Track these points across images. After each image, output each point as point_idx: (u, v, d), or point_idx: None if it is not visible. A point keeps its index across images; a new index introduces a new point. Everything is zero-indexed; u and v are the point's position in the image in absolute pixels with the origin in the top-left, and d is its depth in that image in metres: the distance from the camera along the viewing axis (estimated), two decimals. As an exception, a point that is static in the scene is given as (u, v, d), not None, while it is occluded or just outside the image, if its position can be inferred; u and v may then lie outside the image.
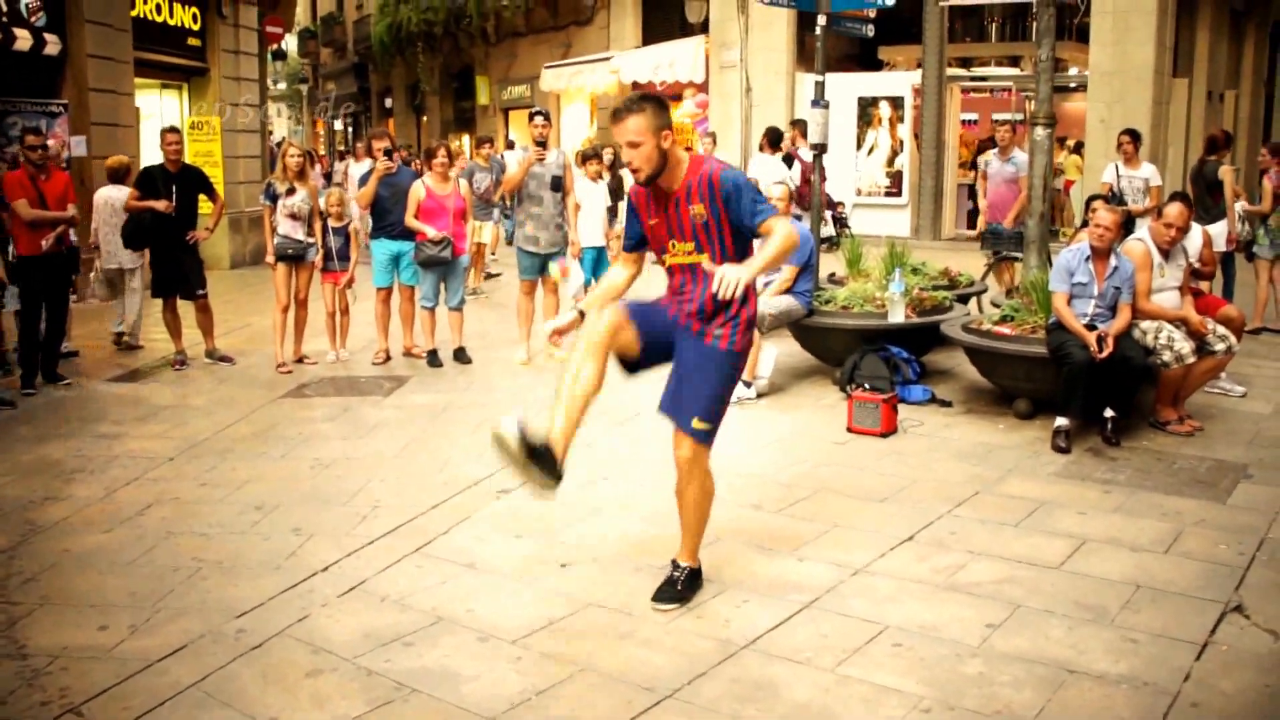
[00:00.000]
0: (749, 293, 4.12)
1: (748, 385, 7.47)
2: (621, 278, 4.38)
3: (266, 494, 5.69)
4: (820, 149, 9.15)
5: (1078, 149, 17.44)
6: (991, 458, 6.12)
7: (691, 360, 4.10)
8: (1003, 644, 3.89)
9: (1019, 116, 16.70)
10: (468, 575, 4.63)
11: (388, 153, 8.73)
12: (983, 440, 6.47)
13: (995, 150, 10.87)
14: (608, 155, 12.30)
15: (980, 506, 5.32)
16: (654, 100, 4.02)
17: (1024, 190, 10.54)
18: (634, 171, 4.00)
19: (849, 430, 6.66)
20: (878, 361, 7.35)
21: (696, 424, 4.07)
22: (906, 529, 5.02)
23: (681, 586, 4.32)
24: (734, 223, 4.02)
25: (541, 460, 3.78)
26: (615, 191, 11.45)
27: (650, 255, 4.32)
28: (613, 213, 11.33)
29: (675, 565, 4.38)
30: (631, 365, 4.19)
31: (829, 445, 6.44)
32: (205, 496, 5.70)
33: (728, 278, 3.76)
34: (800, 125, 13.87)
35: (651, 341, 4.10)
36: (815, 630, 4.04)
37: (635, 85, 20.58)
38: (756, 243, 4.13)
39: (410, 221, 8.53)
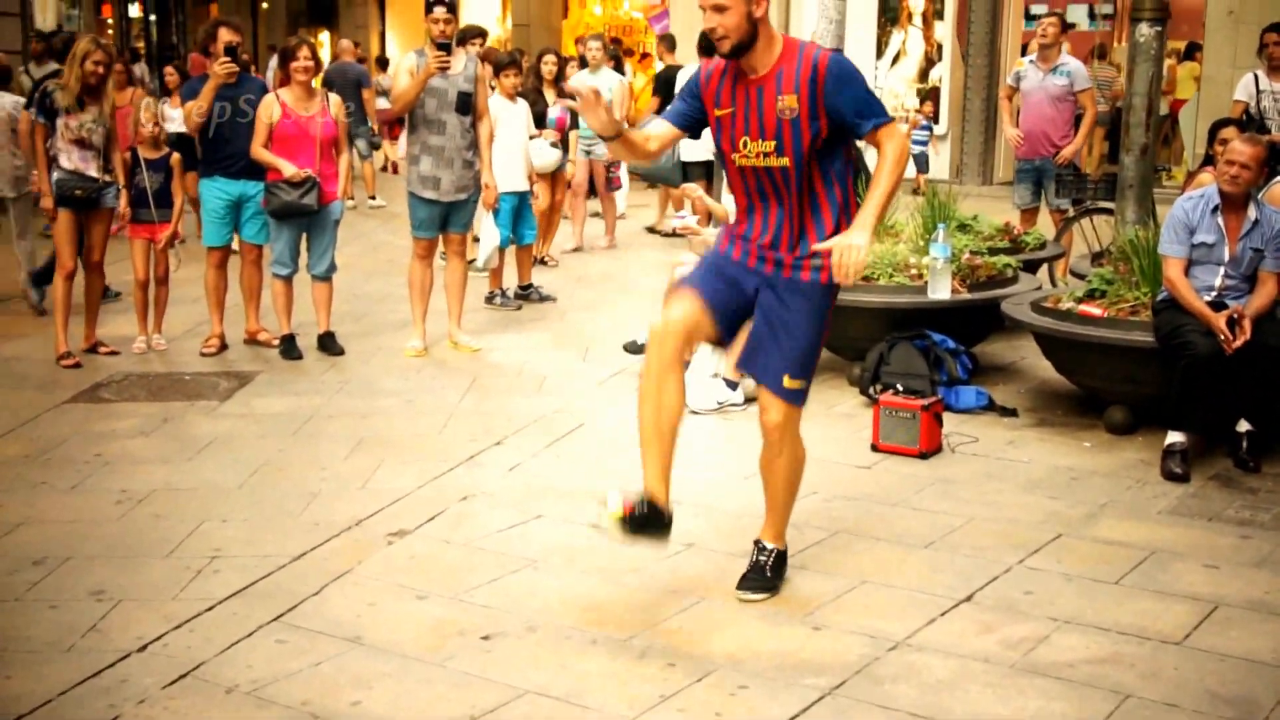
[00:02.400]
0: (843, 209, 4.66)
1: (732, 386, 7.51)
2: (641, 150, 4.83)
3: (50, 543, 5.60)
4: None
5: (1190, 54, 17.52)
6: (1077, 488, 6.18)
7: (775, 308, 4.67)
8: (1106, 747, 3.93)
9: (1107, 10, 16.86)
10: (352, 654, 4.59)
11: (231, 51, 8.58)
12: (1063, 463, 6.53)
13: (1032, 57, 10.94)
14: (549, 64, 12.26)
15: (1064, 556, 5.37)
16: None
17: (1088, 112, 10.67)
18: (718, 41, 4.45)
19: (875, 448, 6.71)
20: (913, 353, 7.40)
21: (789, 382, 4.66)
22: (963, 587, 5.05)
23: (771, 572, 4.94)
24: (834, 122, 4.50)
25: (650, 524, 4.58)
26: (540, 115, 11.45)
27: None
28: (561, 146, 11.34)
29: (761, 547, 4.98)
30: (716, 342, 4.85)
31: (849, 470, 6.48)
32: (-44, 547, 5.61)
33: (847, 256, 4.39)
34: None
35: (729, 312, 4.71)
36: (844, 729, 4.05)
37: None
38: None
39: (259, 153, 8.46)
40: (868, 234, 4.47)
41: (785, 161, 4.56)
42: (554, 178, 11.87)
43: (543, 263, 11.95)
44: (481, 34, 11.57)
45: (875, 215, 4.55)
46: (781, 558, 5.02)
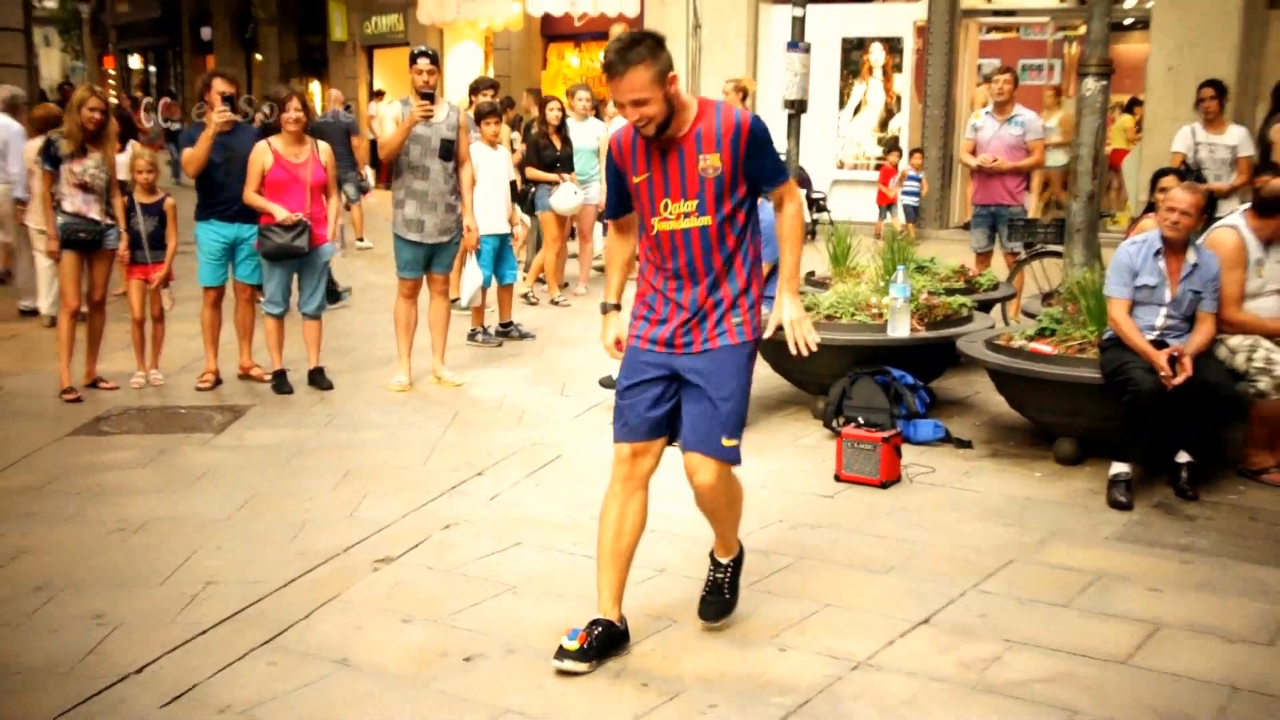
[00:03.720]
0: (754, 263, 4.57)
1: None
2: (624, 252, 4.86)
3: (51, 570, 5.58)
4: (798, 107, 9.28)
5: (1131, 107, 17.67)
6: (1028, 516, 6.21)
7: (701, 379, 4.54)
8: (1055, 761, 3.95)
9: (1055, 62, 16.91)
10: (340, 675, 4.59)
11: (229, 100, 8.62)
12: (1015, 493, 6.57)
13: (988, 108, 10.97)
14: (554, 110, 12.34)
15: (1016, 580, 5.40)
16: (649, 40, 4.30)
17: (1034, 156, 10.72)
18: (643, 129, 4.34)
19: (838, 479, 6.73)
20: (874, 388, 7.44)
21: (727, 442, 4.55)
22: (921, 610, 5.08)
23: (729, 592, 4.94)
24: (751, 179, 4.45)
25: (609, 646, 4.59)
26: (553, 160, 11.60)
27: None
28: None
29: (716, 564, 4.96)
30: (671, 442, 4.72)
31: (813, 499, 6.50)
32: (-38, 574, 5.58)
33: (799, 330, 4.57)
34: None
35: (665, 418, 4.63)
36: (808, 746, 4.06)
37: (547, 19, 20.68)
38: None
39: (251, 198, 8.46)
40: (798, 300, 4.63)
41: (707, 220, 4.43)
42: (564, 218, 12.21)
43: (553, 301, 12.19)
44: (494, 85, 11.60)
45: (798, 280, 4.70)
46: (737, 565, 4.99)
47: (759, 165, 4.43)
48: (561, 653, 4.50)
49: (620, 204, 4.69)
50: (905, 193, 16.47)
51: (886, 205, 16.76)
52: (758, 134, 4.40)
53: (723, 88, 11.27)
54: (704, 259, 4.47)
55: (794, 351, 4.59)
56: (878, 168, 16.90)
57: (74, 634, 4.93)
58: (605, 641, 4.57)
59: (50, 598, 5.28)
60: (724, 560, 4.96)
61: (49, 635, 4.93)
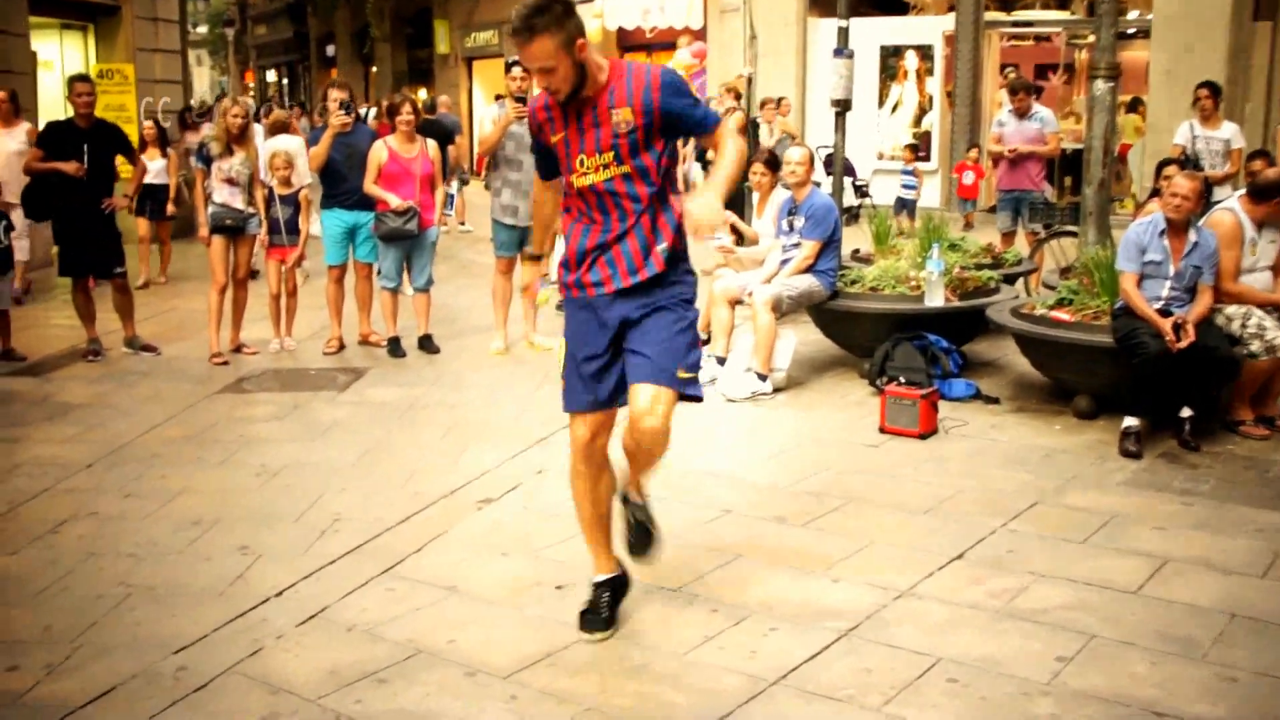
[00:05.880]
0: (678, 225, 4.05)
1: (763, 379, 7.46)
2: (549, 204, 4.37)
3: (204, 507, 5.64)
4: (843, 106, 9.14)
5: (1134, 106, 17.44)
6: (1049, 463, 6.12)
7: (642, 319, 4.02)
8: (1077, 680, 3.87)
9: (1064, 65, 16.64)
10: (448, 600, 4.60)
11: (345, 106, 8.66)
12: (1038, 443, 6.47)
13: (1009, 109, 10.80)
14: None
15: (1039, 520, 5.32)
16: (556, 7, 3.76)
17: (1049, 145, 10.51)
18: (552, 94, 3.88)
19: (882, 431, 6.66)
20: (913, 351, 7.35)
21: (683, 373, 4.00)
22: (955, 546, 5.01)
23: (650, 527, 4.40)
24: (670, 128, 3.94)
25: (619, 600, 4.35)
26: None
27: None
28: None
29: (629, 502, 4.37)
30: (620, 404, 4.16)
31: (859, 449, 6.44)
32: (131, 511, 5.64)
33: (700, 215, 3.75)
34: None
35: (613, 382, 4.09)
36: (857, 663, 4.02)
37: (621, 31, 20.55)
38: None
39: (370, 188, 8.48)
40: (717, 195, 3.83)
41: (626, 169, 3.92)
42: None
43: None
44: None
45: (723, 184, 3.90)
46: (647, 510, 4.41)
47: (678, 115, 3.92)
48: (588, 625, 4.25)
49: (548, 166, 4.19)
50: (904, 186, 15.93)
51: (966, 199, 15.90)
52: (669, 84, 3.90)
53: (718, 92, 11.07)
54: (628, 215, 3.97)
55: (691, 234, 3.91)
56: (913, 159, 16.39)
57: (224, 562, 4.99)
58: (615, 599, 4.34)
59: (204, 531, 5.34)
60: (639, 499, 4.40)
61: (203, 563, 4.99)
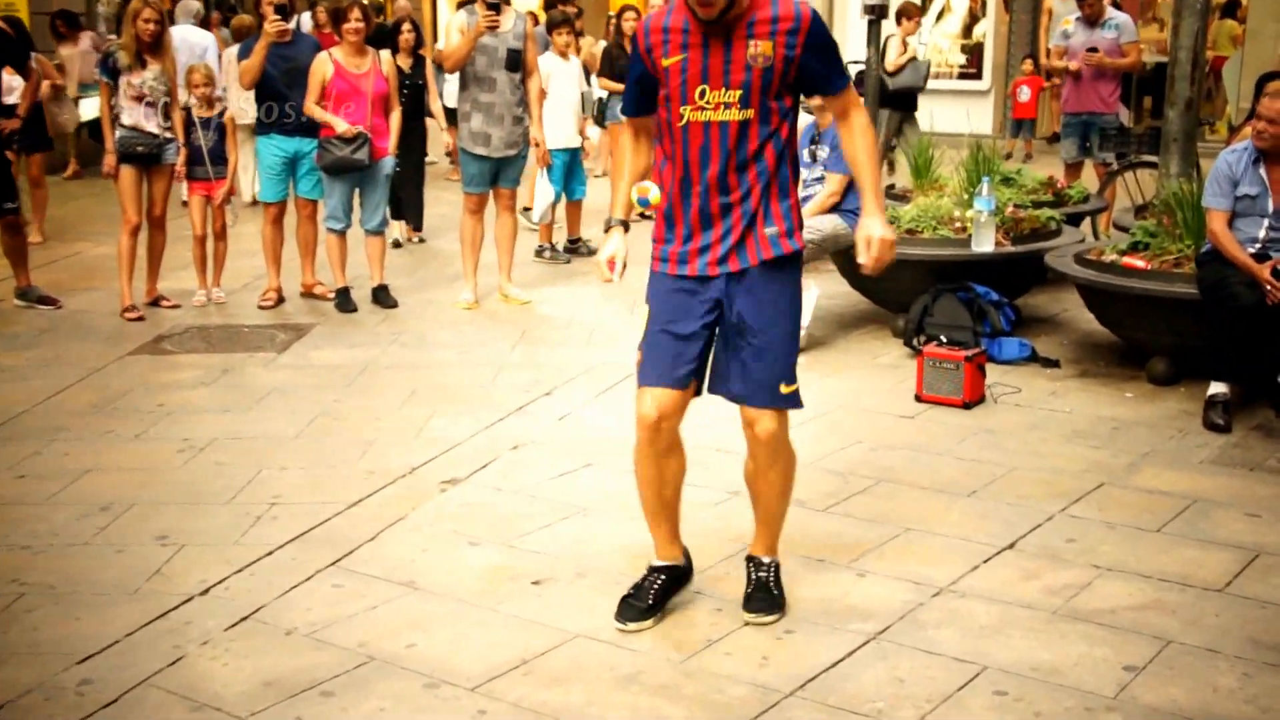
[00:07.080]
0: (794, 183, 4.21)
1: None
2: (639, 162, 4.40)
3: (116, 489, 5.65)
4: (878, 12, 9.12)
5: (1230, 10, 17.36)
6: (1119, 438, 6.14)
7: (745, 312, 4.15)
8: (1150, 694, 3.90)
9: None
10: (407, 598, 4.62)
11: (281, 10, 8.60)
12: (1105, 414, 6.49)
13: (1076, 16, 10.77)
14: (630, 20, 12.14)
15: (1106, 505, 5.33)
16: None
17: (1129, 58, 10.46)
18: (705, 7, 3.91)
19: (919, 399, 6.69)
20: (957, 305, 7.37)
21: (785, 389, 4.19)
22: (1006, 534, 5.03)
23: (776, 589, 4.45)
24: (802, 79, 4.05)
25: (672, 592, 4.45)
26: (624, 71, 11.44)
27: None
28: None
29: (758, 563, 4.49)
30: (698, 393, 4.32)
31: (893, 420, 6.46)
32: (26, 494, 5.65)
33: (883, 251, 4.05)
34: None
35: (693, 364, 4.21)
36: (888, 672, 4.04)
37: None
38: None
39: (312, 110, 8.46)
40: (884, 219, 4.11)
41: (750, 114, 4.00)
42: None
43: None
44: (568, 20, 11.30)
45: (882, 197, 4.22)
46: (779, 570, 4.51)
47: (818, 65, 4.02)
48: (624, 613, 4.34)
49: (641, 99, 4.22)
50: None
51: (1022, 120, 15.99)
52: (818, 30, 4.00)
53: None
54: (738, 161, 4.05)
55: (862, 266, 4.12)
56: (962, 75, 16.44)
57: (140, 553, 4.99)
58: (667, 589, 4.42)
59: (116, 517, 5.35)
60: (766, 559, 4.50)
61: (115, 554, 5.00)
